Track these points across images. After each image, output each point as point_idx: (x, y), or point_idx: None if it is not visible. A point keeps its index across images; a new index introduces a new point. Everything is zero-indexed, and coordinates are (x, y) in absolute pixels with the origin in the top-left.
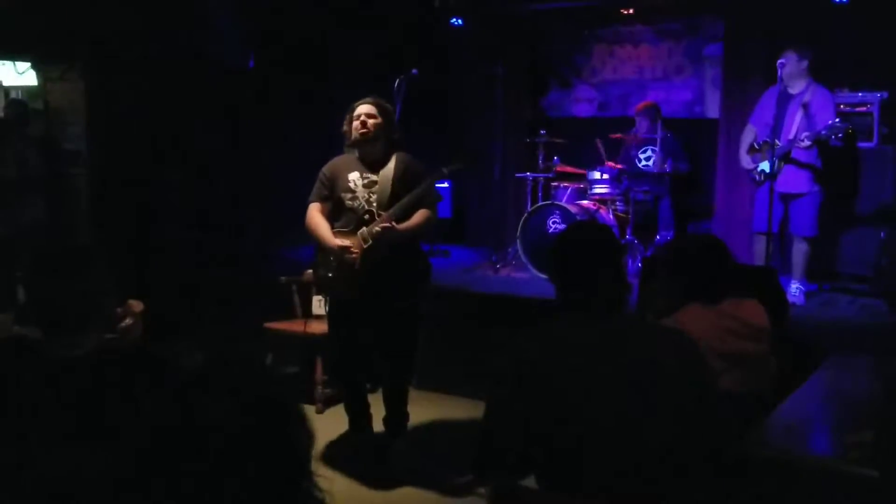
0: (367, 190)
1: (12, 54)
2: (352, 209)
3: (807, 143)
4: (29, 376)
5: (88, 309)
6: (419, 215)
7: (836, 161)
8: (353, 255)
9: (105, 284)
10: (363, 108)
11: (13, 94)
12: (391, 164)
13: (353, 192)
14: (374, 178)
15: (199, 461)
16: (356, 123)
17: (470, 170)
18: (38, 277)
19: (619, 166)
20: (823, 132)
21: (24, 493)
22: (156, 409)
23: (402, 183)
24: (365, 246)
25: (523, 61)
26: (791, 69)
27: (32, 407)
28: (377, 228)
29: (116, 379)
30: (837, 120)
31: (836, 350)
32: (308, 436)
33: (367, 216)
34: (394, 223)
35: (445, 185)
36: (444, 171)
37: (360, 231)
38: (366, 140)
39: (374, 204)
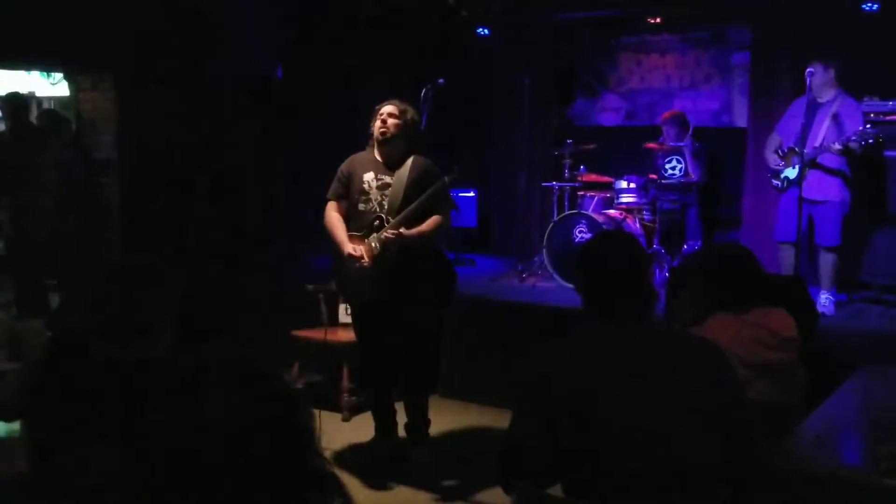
0: (380, 192)
1: (45, 65)
2: (364, 212)
3: (838, 147)
4: (84, 380)
5: (156, 320)
6: (430, 221)
7: (864, 170)
8: (363, 262)
9: (172, 297)
10: (386, 108)
11: (46, 105)
12: (406, 168)
13: (367, 193)
14: (388, 180)
15: (205, 454)
16: (377, 122)
17: (466, 177)
18: (111, 289)
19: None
20: (854, 137)
21: (59, 490)
22: (158, 410)
23: (415, 187)
24: (375, 253)
25: (550, 70)
26: (819, 79)
27: (85, 409)
28: (385, 235)
29: (154, 386)
30: (868, 126)
31: (866, 361)
32: (307, 414)
33: (377, 221)
34: (402, 230)
35: (471, 193)
36: (451, 176)
37: (371, 237)
38: (385, 139)
39: (385, 208)
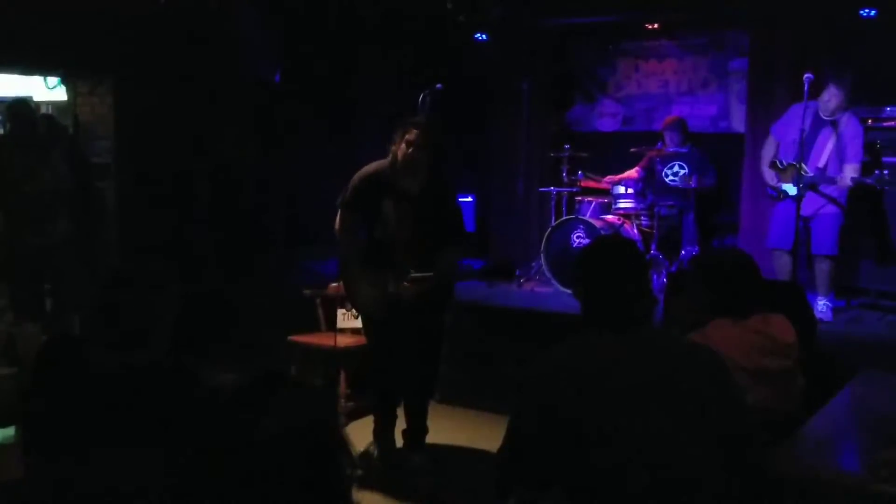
0: (399, 222)
1: (43, 69)
2: (380, 241)
3: (849, 184)
4: (81, 385)
5: (153, 326)
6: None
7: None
8: (377, 295)
9: (169, 302)
10: (414, 134)
11: (43, 109)
12: (426, 196)
13: (385, 223)
14: (407, 206)
15: (245, 477)
16: (404, 146)
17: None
18: (108, 294)
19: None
20: (869, 181)
21: (55, 496)
22: (205, 423)
23: (433, 216)
24: (390, 290)
25: (548, 76)
26: (837, 102)
27: (89, 413)
28: (402, 288)
29: (153, 392)
30: (885, 172)
31: (864, 367)
32: (349, 461)
33: (395, 266)
34: (422, 281)
35: (469, 199)
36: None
37: (388, 278)
38: (409, 170)
39: (405, 244)
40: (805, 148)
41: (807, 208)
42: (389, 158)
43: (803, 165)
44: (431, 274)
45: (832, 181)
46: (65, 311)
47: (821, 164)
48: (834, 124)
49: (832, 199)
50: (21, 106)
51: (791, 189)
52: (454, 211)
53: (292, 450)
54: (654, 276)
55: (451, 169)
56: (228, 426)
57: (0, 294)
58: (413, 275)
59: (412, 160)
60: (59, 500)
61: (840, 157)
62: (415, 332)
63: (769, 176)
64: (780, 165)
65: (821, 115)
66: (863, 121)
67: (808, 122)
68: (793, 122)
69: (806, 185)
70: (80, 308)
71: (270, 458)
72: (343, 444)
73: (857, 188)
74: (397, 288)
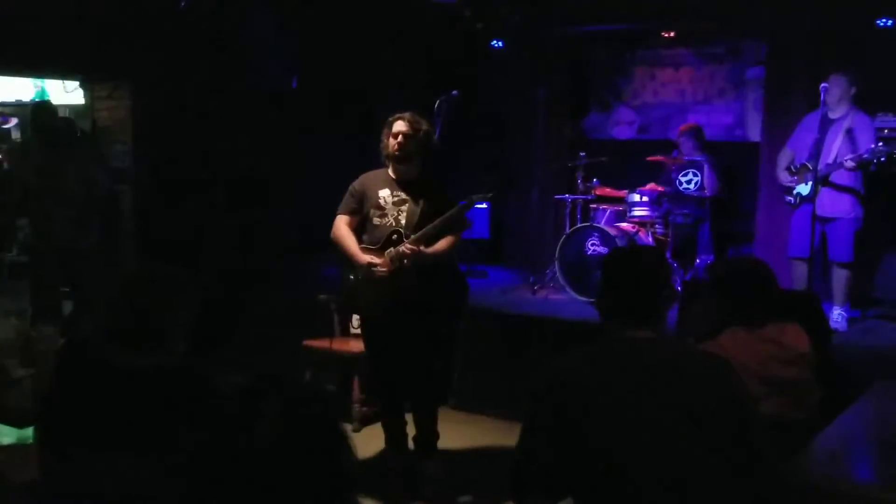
0: (397, 208)
1: (62, 73)
2: (380, 227)
3: (851, 164)
4: (99, 386)
5: (171, 328)
6: (446, 241)
7: (878, 187)
8: (380, 273)
9: (188, 305)
10: (400, 126)
11: (61, 113)
12: (422, 185)
13: (383, 209)
14: (403, 196)
15: (248, 479)
16: (391, 141)
17: (499, 196)
18: (126, 297)
19: (659, 188)
20: (866, 155)
21: (71, 498)
22: (207, 425)
23: (431, 204)
24: (392, 266)
25: (564, 83)
26: (839, 93)
27: (105, 415)
28: (404, 249)
29: (169, 394)
30: (881, 144)
31: (878, 377)
32: (352, 459)
33: (395, 236)
34: (421, 248)
35: (484, 206)
36: (473, 198)
37: (388, 251)
38: (399, 157)
39: (403, 223)
40: (817, 149)
41: (823, 208)
42: (382, 156)
43: (817, 167)
44: (432, 225)
45: (839, 166)
46: (84, 313)
47: (829, 160)
48: (846, 132)
49: (848, 190)
50: (44, 108)
51: (804, 189)
52: (450, 201)
53: (292, 452)
54: None
55: (466, 175)
56: (230, 428)
57: (16, 295)
58: (412, 237)
59: (402, 148)
60: (75, 500)
61: (852, 150)
62: (419, 337)
63: (785, 179)
64: (793, 169)
65: (829, 115)
66: (879, 130)
67: (820, 126)
68: (807, 130)
69: (818, 181)
70: (99, 311)
71: (271, 460)
72: (346, 445)
73: (878, 174)
74: (397, 255)
